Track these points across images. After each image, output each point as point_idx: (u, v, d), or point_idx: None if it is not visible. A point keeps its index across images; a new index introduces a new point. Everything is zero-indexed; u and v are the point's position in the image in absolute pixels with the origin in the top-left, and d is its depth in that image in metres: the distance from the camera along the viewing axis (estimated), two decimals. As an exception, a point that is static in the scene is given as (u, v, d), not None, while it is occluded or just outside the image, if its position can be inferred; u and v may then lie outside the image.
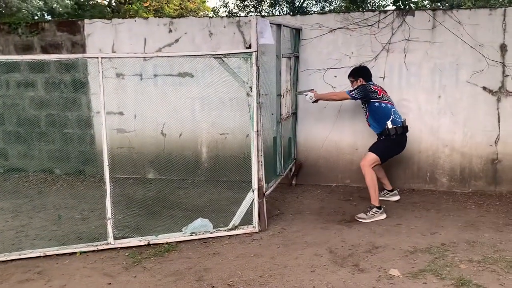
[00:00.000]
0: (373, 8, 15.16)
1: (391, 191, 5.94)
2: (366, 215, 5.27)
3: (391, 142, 5.38)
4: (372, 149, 5.42)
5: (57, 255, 4.51)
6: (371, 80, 5.64)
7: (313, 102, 5.87)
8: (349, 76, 5.72)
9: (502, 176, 6.20)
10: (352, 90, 5.45)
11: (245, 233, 4.91)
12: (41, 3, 16.90)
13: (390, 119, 5.30)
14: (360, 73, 5.62)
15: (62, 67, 7.33)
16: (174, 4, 20.67)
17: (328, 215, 5.50)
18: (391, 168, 6.25)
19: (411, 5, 7.79)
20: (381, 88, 5.51)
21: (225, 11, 18.52)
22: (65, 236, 5.03)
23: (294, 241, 4.69)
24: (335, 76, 6.41)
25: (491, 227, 4.96)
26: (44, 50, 7.38)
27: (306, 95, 5.86)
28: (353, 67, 5.82)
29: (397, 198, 5.93)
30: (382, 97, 5.37)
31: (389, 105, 5.39)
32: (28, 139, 7.64)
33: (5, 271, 4.23)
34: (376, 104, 5.36)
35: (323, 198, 6.19)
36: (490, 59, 5.99)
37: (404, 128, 5.41)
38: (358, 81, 5.56)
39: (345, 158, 6.65)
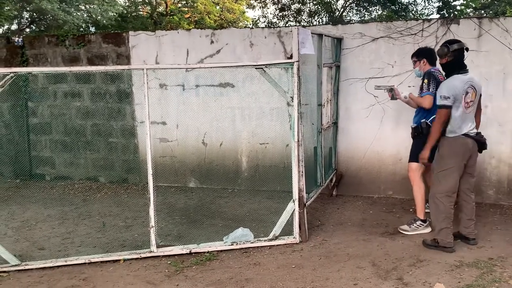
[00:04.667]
0: (416, 17, 14.92)
1: None
2: (410, 227, 5.16)
3: (422, 141, 4.98)
4: (410, 158, 5.27)
5: (101, 262, 4.61)
6: (435, 65, 5.21)
7: (391, 99, 5.56)
8: (412, 56, 5.37)
9: (553, 188, 5.97)
10: (428, 88, 4.93)
11: (285, 244, 4.89)
12: (85, 16, 17.46)
13: (432, 117, 4.93)
14: (425, 53, 5.25)
15: (107, 78, 7.53)
16: (214, 15, 20.96)
17: (370, 227, 5.42)
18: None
19: (456, 13, 7.63)
20: (443, 76, 4.96)
21: (264, 22, 18.64)
22: (109, 244, 5.14)
23: (336, 253, 4.64)
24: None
25: (541, 242, 4.78)
26: (90, 62, 7.61)
27: (386, 91, 5.51)
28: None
29: None
30: None
31: None
32: (74, 148, 7.87)
33: (52, 277, 4.35)
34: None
35: (365, 209, 6.10)
36: (539, 68, 5.80)
37: None
38: (422, 61, 5.21)
39: (388, 169, 6.54)
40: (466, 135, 4.54)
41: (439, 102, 4.50)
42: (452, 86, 4.45)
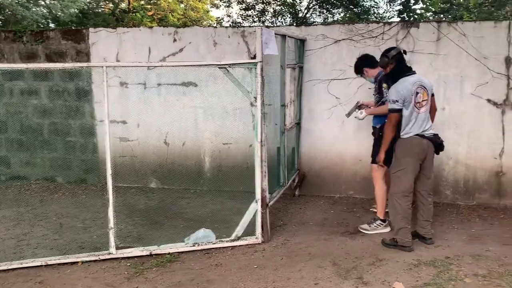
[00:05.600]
0: (378, 20, 15.18)
1: None
2: (370, 226, 5.24)
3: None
4: (373, 159, 5.36)
5: (58, 264, 4.48)
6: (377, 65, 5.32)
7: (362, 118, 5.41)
8: (356, 74, 5.48)
9: (506, 189, 6.16)
10: (386, 96, 4.95)
11: (248, 244, 4.87)
12: (45, 11, 16.98)
13: None
14: (361, 64, 5.37)
15: (65, 75, 7.34)
16: (178, 14, 20.76)
17: (331, 226, 5.46)
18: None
19: (416, 17, 7.80)
20: None
21: (228, 21, 18.59)
22: (67, 245, 5.01)
23: (297, 253, 4.66)
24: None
25: (495, 241, 4.91)
26: (49, 58, 7.40)
27: (356, 116, 5.39)
28: (357, 77, 5.70)
29: None
30: None
31: None
32: (30, 147, 7.64)
33: (6, 280, 4.21)
34: None
35: (327, 209, 6.15)
36: (495, 72, 5.98)
37: None
38: (365, 72, 5.36)
39: (349, 169, 6.62)
40: (421, 135, 4.62)
41: (389, 106, 4.61)
42: (400, 89, 4.55)
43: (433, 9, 8.24)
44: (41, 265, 4.45)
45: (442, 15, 14.72)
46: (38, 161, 7.69)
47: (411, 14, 7.86)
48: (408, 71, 4.69)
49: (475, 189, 6.26)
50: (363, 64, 5.40)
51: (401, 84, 4.58)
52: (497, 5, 11.51)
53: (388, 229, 5.20)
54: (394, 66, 4.68)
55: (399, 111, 4.56)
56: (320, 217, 5.83)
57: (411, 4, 7.78)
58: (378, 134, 5.27)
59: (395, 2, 15.71)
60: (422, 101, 4.61)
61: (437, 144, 4.72)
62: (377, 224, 5.23)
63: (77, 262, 4.52)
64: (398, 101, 4.53)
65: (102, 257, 4.57)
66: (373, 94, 5.39)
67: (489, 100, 6.07)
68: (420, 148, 4.61)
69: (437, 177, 6.30)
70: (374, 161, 5.27)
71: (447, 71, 6.12)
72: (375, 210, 5.71)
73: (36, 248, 4.97)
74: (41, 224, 5.73)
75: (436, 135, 4.74)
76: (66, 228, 5.56)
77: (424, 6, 7.89)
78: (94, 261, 4.55)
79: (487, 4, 11.76)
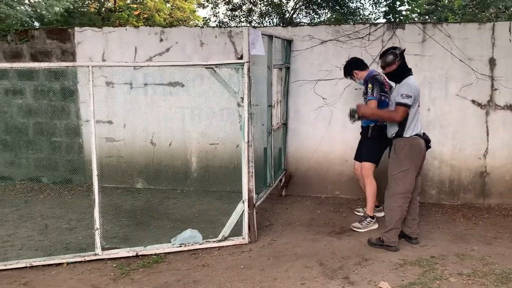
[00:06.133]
0: (364, 21, 15.27)
1: (377, 206, 5.71)
2: (361, 224, 5.31)
3: (377, 140, 5.25)
4: (364, 158, 5.42)
5: (43, 265, 4.44)
6: (368, 66, 5.50)
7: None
8: (345, 76, 5.58)
9: (490, 189, 6.24)
10: (372, 93, 5.11)
11: (234, 245, 4.87)
12: (30, 10, 16.80)
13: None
14: (351, 67, 5.47)
15: (51, 75, 7.27)
16: (165, 13, 20.67)
17: (318, 226, 5.49)
18: (379, 181, 6.22)
19: (401, 18, 7.86)
20: (385, 79, 5.20)
21: (215, 21, 18.55)
22: (52, 247, 4.96)
23: (284, 253, 4.67)
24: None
25: (480, 240, 4.98)
26: (34, 58, 7.32)
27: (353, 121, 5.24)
28: (343, 78, 5.75)
29: (382, 214, 5.56)
30: (387, 92, 5.20)
31: (389, 102, 4.98)
32: (15, 147, 7.55)
33: (-10, 282, 4.16)
34: (383, 98, 5.13)
35: (313, 209, 6.17)
36: (479, 73, 6.05)
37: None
38: (355, 74, 5.43)
39: (335, 169, 6.65)
40: (418, 135, 4.66)
41: (401, 100, 4.50)
42: (412, 86, 4.55)
43: (418, 11, 8.31)
44: (26, 267, 4.41)
45: (427, 17, 14.83)
46: (23, 162, 7.60)
47: (396, 15, 7.92)
48: (410, 70, 4.72)
49: (459, 189, 6.33)
50: (352, 67, 5.49)
51: (412, 80, 4.60)
52: (481, 7, 11.65)
53: (376, 226, 5.31)
54: (401, 63, 4.66)
55: (409, 107, 4.52)
56: (306, 217, 5.85)
57: (397, 6, 7.84)
58: (371, 134, 5.32)
59: (381, 4, 15.83)
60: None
61: (427, 142, 4.76)
62: (368, 222, 5.32)
63: (62, 264, 4.48)
64: (411, 97, 4.49)
65: (87, 258, 4.54)
66: (363, 96, 5.41)
67: (473, 101, 6.14)
68: (420, 148, 4.65)
69: (422, 177, 6.30)
70: (366, 159, 5.36)
71: (432, 72, 6.17)
72: (360, 214, 5.77)
73: (21, 249, 4.91)
74: (26, 225, 5.66)
75: (424, 134, 4.79)
76: (52, 229, 5.51)
77: (410, 7, 7.96)
78: (80, 262, 4.51)
79: (471, 6, 11.89)
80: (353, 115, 4.87)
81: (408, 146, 4.61)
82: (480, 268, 4.22)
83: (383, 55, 4.75)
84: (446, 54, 6.12)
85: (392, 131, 4.71)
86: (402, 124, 4.59)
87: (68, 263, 4.49)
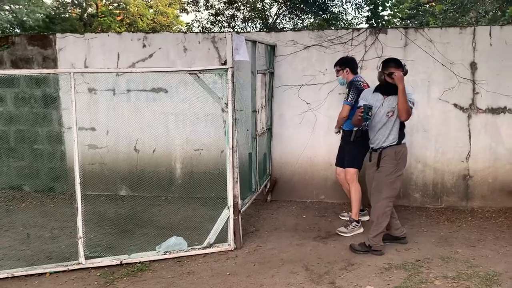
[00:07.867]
0: (346, 26, 15.38)
1: (362, 210, 5.72)
2: (347, 229, 5.32)
3: (360, 144, 5.22)
4: (347, 164, 5.44)
5: (25, 275, 4.37)
6: (357, 73, 5.55)
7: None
8: (335, 65, 5.57)
9: (473, 191, 6.30)
10: (346, 98, 5.23)
11: (220, 251, 4.84)
12: (10, 16, 16.61)
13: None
14: (348, 62, 5.51)
15: (32, 82, 7.18)
16: (148, 19, 20.60)
17: (303, 231, 5.48)
18: (363, 185, 6.24)
19: (384, 23, 7.91)
20: (367, 84, 5.31)
21: (198, 26, 18.52)
22: (34, 256, 4.88)
23: (270, 259, 4.65)
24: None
25: (464, 243, 5.02)
26: (14, 65, 7.22)
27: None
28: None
29: (367, 218, 5.71)
30: None
31: None
32: (-4, 155, 7.43)
33: (-30, 293, 4.07)
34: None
35: (298, 214, 6.17)
36: (461, 77, 6.12)
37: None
38: (345, 70, 5.46)
39: (320, 174, 6.66)
40: None
41: (412, 105, 4.57)
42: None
43: (400, 16, 8.38)
44: (7, 277, 4.33)
45: (409, 21, 15.00)
46: (4, 170, 7.47)
47: (379, 20, 7.96)
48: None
49: (443, 192, 6.38)
50: (348, 64, 5.49)
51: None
52: (461, 11, 11.81)
53: (362, 230, 5.34)
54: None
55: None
56: (292, 222, 5.84)
57: (379, 11, 7.89)
58: (354, 138, 5.32)
59: (363, 8, 15.97)
60: None
61: None
62: (353, 226, 5.34)
63: (45, 273, 4.40)
64: (414, 104, 4.62)
65: (71, 268, 4.47)
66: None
67: (455, 105, 6.21)
68: (407, 154, 4.79)
69: (406, 180, 6.40)
70: (349, 165, 5.37)
71: (414, 76, 6.22)
72: (344, 218, 5.78)
73: (2, 259, 4.82)
74: (7, 234, 5.56)
75: None
76: (34, 238, 5.42)
77: (392, 12, 8.02)
78: (63, 271, 4.44)
79: (452, 10, 12.04)
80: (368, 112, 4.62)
81: (403, 152, 4.71)
82: (464, 271, 4.25)
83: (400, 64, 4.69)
84: (428, 58, 6.18)
85: (392, 139, 4.65)
86: (402, 131, 4.68)
87: (51, 273, 4.41)
